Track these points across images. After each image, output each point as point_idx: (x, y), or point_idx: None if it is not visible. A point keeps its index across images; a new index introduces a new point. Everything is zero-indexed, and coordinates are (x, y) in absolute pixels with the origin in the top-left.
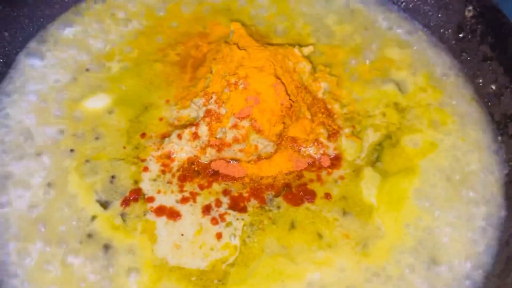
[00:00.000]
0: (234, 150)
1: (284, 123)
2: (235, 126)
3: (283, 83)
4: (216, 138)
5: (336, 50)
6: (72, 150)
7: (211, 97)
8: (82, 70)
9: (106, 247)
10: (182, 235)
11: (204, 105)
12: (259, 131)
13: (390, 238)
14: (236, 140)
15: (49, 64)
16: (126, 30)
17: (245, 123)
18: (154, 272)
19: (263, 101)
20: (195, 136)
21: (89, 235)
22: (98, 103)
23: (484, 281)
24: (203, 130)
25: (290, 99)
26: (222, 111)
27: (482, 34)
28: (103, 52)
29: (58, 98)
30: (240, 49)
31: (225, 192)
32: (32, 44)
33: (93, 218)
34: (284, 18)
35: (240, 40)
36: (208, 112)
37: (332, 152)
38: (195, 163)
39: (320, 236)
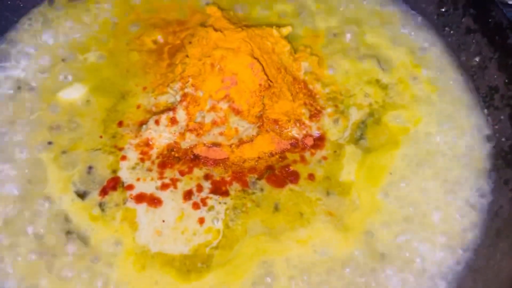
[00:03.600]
0: (214, 134)
1: (264, 104)
2: (213, 108)
3: (260, 63)
4: (194, 122)
5: (316, 30)
6: (50, 143)
7: (188, 81)
8: (58, 61)
9: (85, 239)
10: (163, 221)
11: (181, 89)
12: (238, 113)
13: (364, 210)
14: (215, 123)
15: (23, 56)
16: (102, 20)
17: (223, 105)
18: (137, 260)
19: (241, 81)
20: (173, 121)
21: (67, 228)
22: (74, 93)
23: (473, 254)
24: (180, 114)
25: (268, 80)
26: (199, 94)
27: (464, 6)
28: (79, 43)
29: (34, 90)
30: (216, 31)
31: (207, 177)
32: (6, 36)
33: (71, 209)
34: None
35: (216, 23)
36: (185, 96)
37: (315, 132)
38: (175, 149)
39: (302, 215)
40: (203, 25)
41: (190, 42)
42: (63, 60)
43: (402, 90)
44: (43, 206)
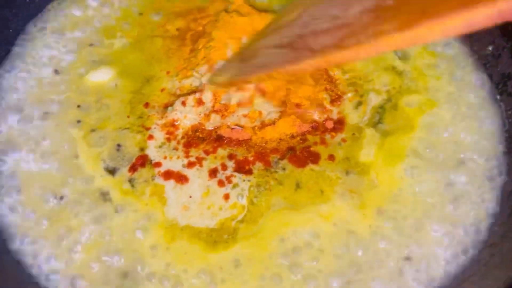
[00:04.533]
0: (238, 116)
1: (287, 89)
2: (240, 88)
3: None
4: (220, 103)
5: None
6: (79, 121)
7: (215, 63)
8: (85, 45)
9: (118, 212)
10: (190, 197)
11: (208, 72)
12: (264, 94)
13: (382, 189)
14: (240, 104)
15: (52, 40)
16: (126, 8)
17: (250, 85)
18: (167, 232)
19: None
20: (199, 102)
21: (100, 201)
22: (101, 76)
23: (489, 230)
24: (207, 95)
25: None
26: None
27: None
28: (105, 30)
29: (63, 72)
30: (241, 16)
31: (230, 157)
32: (36, 21)
33: (102, 184)
34: None
35: (240, 9)
36: None
37: (335, 116)
38: (199, 130)
39: (322, 192)
40: (226, 11)
41: (215, 27)
42: (90, 45)
43: (417, 77)
44: (78, 180)
